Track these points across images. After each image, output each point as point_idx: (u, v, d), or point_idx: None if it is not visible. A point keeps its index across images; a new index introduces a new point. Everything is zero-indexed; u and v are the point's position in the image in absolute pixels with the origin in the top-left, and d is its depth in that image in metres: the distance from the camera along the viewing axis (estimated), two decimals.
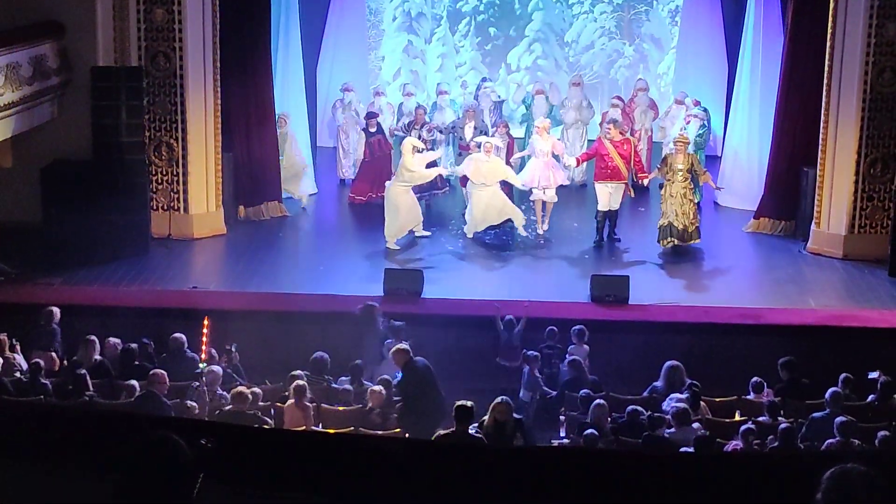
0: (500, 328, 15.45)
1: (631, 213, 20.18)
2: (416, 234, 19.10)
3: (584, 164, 20.01)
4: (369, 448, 6.25)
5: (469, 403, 12.10)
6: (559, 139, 20.75)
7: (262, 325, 15.81)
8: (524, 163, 20.16)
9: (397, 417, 13.21)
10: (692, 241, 18.48)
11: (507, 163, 19.83)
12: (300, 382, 13.30)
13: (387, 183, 19.13)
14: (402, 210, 18.71)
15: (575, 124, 21.96)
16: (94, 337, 14.37)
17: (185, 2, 18.61)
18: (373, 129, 20.65)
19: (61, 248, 17.68)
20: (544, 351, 14.97)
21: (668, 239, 18.33)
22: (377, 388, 13.47)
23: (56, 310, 15.00)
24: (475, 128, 20.21)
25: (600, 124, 21.81)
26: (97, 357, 14.22)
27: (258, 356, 15.03)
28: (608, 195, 18.70)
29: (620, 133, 19.08)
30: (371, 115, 20.89)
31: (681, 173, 18.30)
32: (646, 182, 19.80)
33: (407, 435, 12.65)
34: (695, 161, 18.57)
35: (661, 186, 19.13)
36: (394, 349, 13.90)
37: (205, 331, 14.07)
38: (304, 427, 12.88)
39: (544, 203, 19.33)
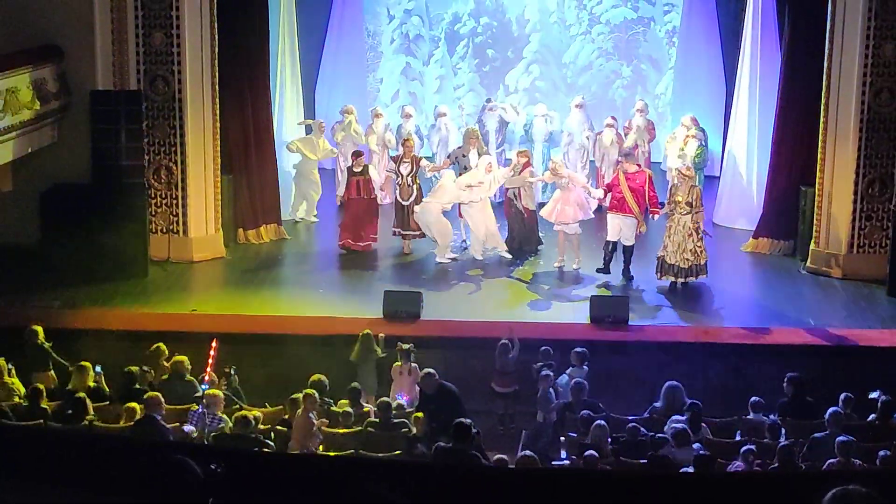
0: (498, 353, 15.39)
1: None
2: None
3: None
4: (371, 470, 6.25)
5: (468, 421, 12.15)
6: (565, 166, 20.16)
7: (261, 347, 15.82)
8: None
9: (425, 441, 13.04)
10: (695, 278, 17.92)
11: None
12: (308, 392, 13.41)
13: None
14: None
15: (577, 146, 21.88)
16: (87, 363, 14.35)
17: (184, 25, 18.66)
18: (357, 169, 19.72)
19: (60, 271, 17.67)
20: (540, 371, 14.94)
21: (664, 275, 17.94)
22: (419, 414, 13.38)
23: (38, 328, 15.00)
24: (479, 153, 19.72)
25: (593, 145, 21.87)
26: (91, 384, 14.19)
27: (257, 379, 15.03)
28: (617, 227, 18.24)
29: (636, 165, 18.77)
30: (357, 154, 20.06)
31: (681, 206, 17.73)
32: (655, 217, 18.85)
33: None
34: (696, 195, 17.85)
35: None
36: (423, 374, 14.16)
37: (212, 353, 14.01)
38: (310, 436, 12.89)
39: (568, 235, 18.79)
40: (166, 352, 14.79)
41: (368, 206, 19.65)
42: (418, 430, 13.15)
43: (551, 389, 14.43)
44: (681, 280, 17.88)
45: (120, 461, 5.71)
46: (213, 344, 14.08)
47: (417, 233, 19.39)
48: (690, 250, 17.71)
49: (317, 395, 13.49)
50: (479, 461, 11.81)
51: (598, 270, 18.43)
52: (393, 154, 21.07)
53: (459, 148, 20.17)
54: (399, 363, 15.04)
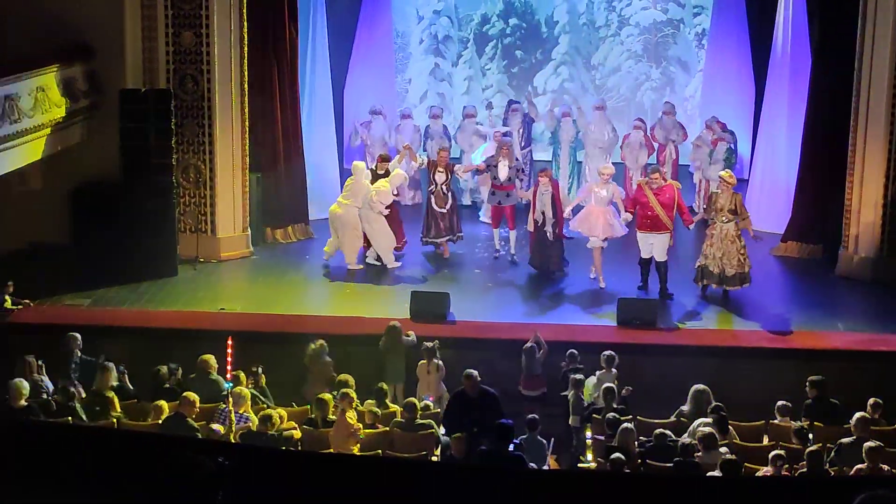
0: (524, 356, 15.38)
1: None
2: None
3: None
4: (398, 471, 6.25)
5: (509, 422, 12.14)
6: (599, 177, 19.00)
7: (288, 347, 15.85)
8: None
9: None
10: (737, 286, 17.49)
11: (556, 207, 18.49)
12: (346, 391, 13.46)
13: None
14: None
15: (598, 149, 21.84)
16: (111, 363, 14.39)
17: (214, 25, 18.73)
18: (380, 172, 19.19)
19: (90, 269, 17.75)
20: (566, 374, 14.92)
21: (703, 280, 17.63)
22: (458, 435, 12.59)
23: (77, 336, 15.02)
24: (509, 166, 19.22)
25: (621, 147, 21.82)
26: (114, 383, 14.23)
27: (284, 378, 15.06)
28: (649, 245, 17.75)
29: (662, 178, 18.07)
30: (383, 158, 19.60)
31: (723, 213, 17.33)
32: (691, 227, 18.45)
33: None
34: (738, 202, 17.47)
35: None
36: (465, 376, 13.76)
37: (228, 350, 14.07)
38: (349, 436, 12.93)
39: (602, 250, 18.30)
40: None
41: (392, 211, 19.08)
42: (458, 453, 12.39)
43: (581, 393, 14.43)
44: (725, 287, 17.51)
45: (139, 458, 5.74)
46: (229, 342, 14.13)
47: (448, 237, 19.34)
48: (735, 259, 17.33)
49: (353, 394, 13.49)
50: (521, 461, 11.82)
51: (639, 288, 18.04)
52: (423, 154, 21.08)
53: (492, 156, 19.73)
54: (424, 361, 15.06)
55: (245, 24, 18.97)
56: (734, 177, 18.18)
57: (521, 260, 19.13)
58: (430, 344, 15.19)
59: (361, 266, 18.95)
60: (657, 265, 17.84)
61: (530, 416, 13.79)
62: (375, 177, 19.08)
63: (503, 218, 19.34)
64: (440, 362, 15.07)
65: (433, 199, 19.29)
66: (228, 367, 14.04)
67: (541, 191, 18.28)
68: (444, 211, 19.23)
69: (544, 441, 13.61)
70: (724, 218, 17.34)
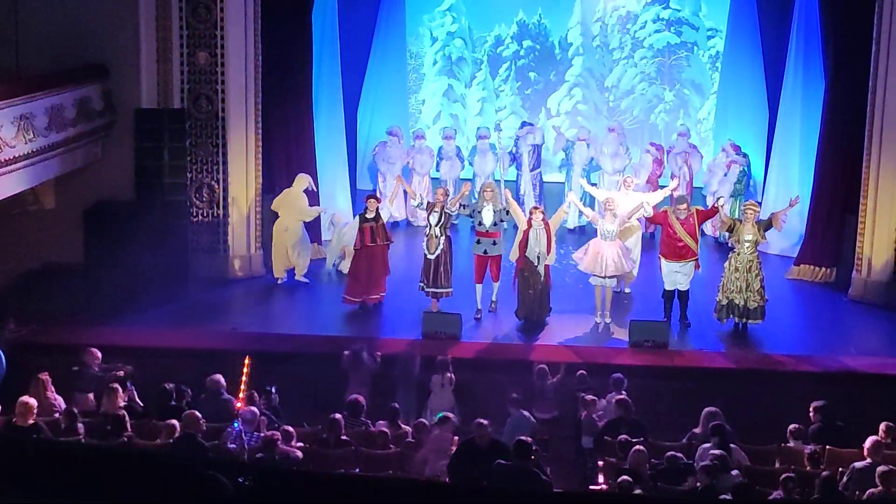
0: (536, 378, 15.38)
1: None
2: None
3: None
4: (411, 493, 6.23)
5: (528, 439, 12.13)
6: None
7: (300, 366, 15.85)
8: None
9: None
10: (755, 321, 17.08)
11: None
12: (446, 415, 13.60)
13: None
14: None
15: (611, 171, 21.88)
16: (117, 385, 14.40)
17: (228, 45, 18.80)
18: (370, 215, 17.92)
19: (103, 288, 17.77)
20: (578, 396, 14.91)
21: (727, 316, 17.17)
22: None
23: (96, 352, 15.04)
24: (494, 210, 17.55)
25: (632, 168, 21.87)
26: (122, 403, 14.23)
27: (295, 398, 15.05)
28: (674, 275, 17.32)
29: (687, 208, 17.47)
30: (370, 196, 18.41)
31: (748, 244, 16.93)
32: (720, 206, 17.87)
33: None
34: (760, 232, 17.07)
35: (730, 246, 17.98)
36: (475, 425, 12.98)
37: (245, 370, 14.03)
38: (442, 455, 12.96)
39: (603, 289, 17.54)
40: None
41: (384, 254, 18.03)
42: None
43: (594, 415, 14.41)
44: (747, 321, 17.12)
45: (154, 478, 5.73)
46: (246, 361, 14.11)
47: (446, 290, 17.76)
48: (756, 290, 16.97)
49: (456, 419, 13.58)
50: (538, 478, 11.79)
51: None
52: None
53: (475, 202, 18.18)
54: (438, 375, 15.15)
55: (259, 44, 19.03)
56: (758, 206, 17.90)
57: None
58: (443, 358, 15.32)
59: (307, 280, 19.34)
60: (679, 294, 17.47)
61: (513, 395, 14.40)
62: (364, 221, 17.90)
63: (487, 271, 17.76)
64: (452, 376, 15.16)
65: (425, 242, 17.79)
66: (243, 387, 13.97)
67: (535, 228, 17.18)
68: (431, 258, 17.63)
69: (530, 417, 14.14)
70: (747, 248, 16.96)
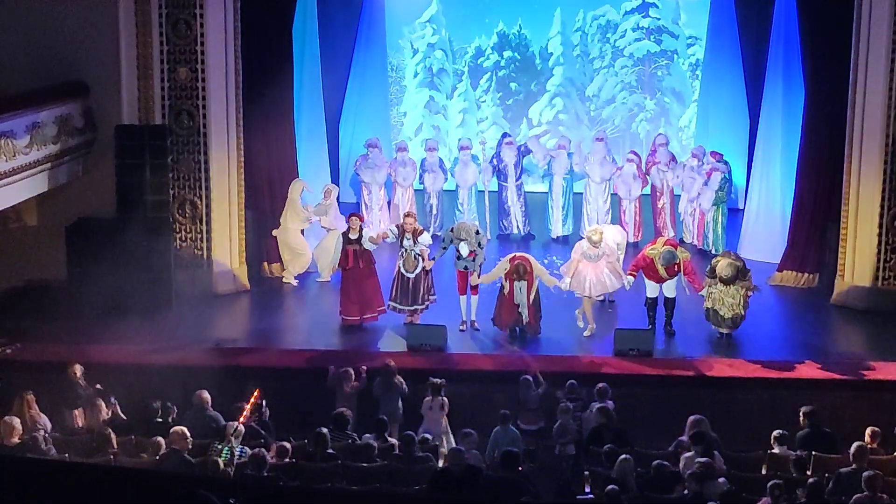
0: (520, 388, 15.36)
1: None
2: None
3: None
4: None
5: (516, 450, 12.14)
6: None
7: (285, 381, 15.82)
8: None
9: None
10: (728, 330, 17.29)
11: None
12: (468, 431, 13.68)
13: None
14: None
15: (598, 180, 21.95)
16: (100, 400, 14.36)
17: (209, 60, 18.78)
18: (353, 236, 17.89)
19: (86, 305, 17.70)
20: (567, 406, 14.90)
21: (719, 326, 17.28)
22: None
23: (79, 367, 15.01)
24: (469, 248, 17.54)
25: (616, 177, 21.93)
26: (104, 418, 14.20)
27: (281, 412, 15.03)
28: (656, 287, 17.37)
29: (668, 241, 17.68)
30: (353, 214, 18.42)
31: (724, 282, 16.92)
32: (703, 293, 17.29)
33: None
34: (740, 269, 17.02)
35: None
36: (449, 452, 13.08)
37: (252, 400, 13.87)
38: None
39: (591, 300, 17.56)
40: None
41: (371, 275, 17.93)
42: None
43: (572, 422, 14.41)
44: (728, 331, 17.28)
45: (142, 495, 5.71)
46: (255, 393, 13.96)
47: (422, 306, 17.83)
48: (736, 301, 17.06)
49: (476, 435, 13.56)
50: (527, 487, 11.81)
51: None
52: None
53: (443, 236, 18.52)
54: (429, 398, 15.01)
55: (240, 59, 19.02)
56: (741, 259, 17.63)
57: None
58: (437, 381, 15.11)
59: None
60: (666, 301, 17.46)
61: (502, 412, 14.40)
62: (347, 242, 17.89)
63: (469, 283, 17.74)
64: (445, 399, 15.03)
65: (402, 261, 17.78)
66: (246, 413, 13.78)
67: (517, 285, 17.12)
68: (412, 276, 17.69)
69: (517, 431, 14.24)
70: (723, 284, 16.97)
